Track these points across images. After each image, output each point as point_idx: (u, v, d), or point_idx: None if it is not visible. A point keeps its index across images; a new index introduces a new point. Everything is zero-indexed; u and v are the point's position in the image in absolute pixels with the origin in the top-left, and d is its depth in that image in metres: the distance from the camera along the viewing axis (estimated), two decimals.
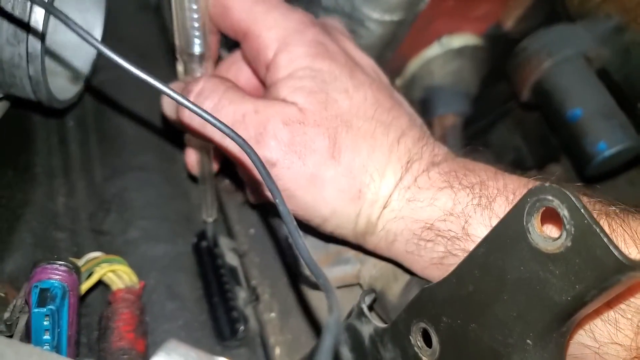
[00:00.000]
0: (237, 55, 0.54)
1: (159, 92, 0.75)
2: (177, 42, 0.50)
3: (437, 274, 0.42)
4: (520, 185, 0.41)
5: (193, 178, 0.61)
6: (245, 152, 0.34)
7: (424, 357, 0.39)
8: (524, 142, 0.99)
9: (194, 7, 0.47)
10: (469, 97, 0.87)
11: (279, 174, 0.43)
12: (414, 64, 0.85)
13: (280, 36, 0.46)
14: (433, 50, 0.83)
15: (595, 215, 0.27)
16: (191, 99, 0.46)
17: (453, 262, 0.38)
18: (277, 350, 0.54)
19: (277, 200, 0.32)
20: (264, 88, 0.51)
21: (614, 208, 0.38)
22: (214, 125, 0.36)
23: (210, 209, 0.58)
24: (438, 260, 0.42)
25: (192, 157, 0.56)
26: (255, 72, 0.52)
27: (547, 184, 0.28)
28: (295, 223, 0.30)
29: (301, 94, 0.44)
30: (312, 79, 0.45)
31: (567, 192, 0.27)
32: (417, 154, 0.45)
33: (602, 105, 0.74)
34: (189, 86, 0.48)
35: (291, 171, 0.43)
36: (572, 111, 0.76)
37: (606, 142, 0.72)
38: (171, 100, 0.48)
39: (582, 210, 0.27)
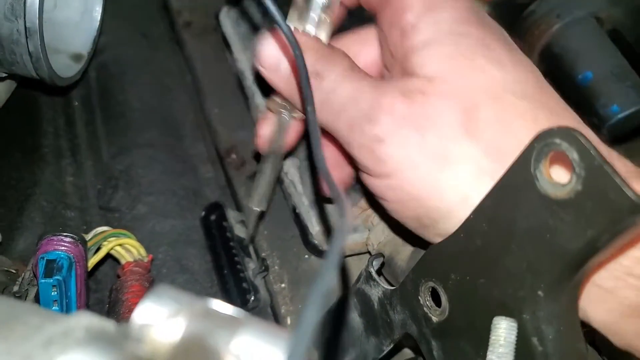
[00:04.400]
0: (359, 35, 0.46)
1: (165, 69, 0.74)
2: None
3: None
4: None
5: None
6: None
7: (433, 317, 0.38)
8: None
9: None
10: None
11: (388, 152, 0.37)
12: None
13: None
14: None
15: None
16: (310, 63, 0.39)
17: None
18: (289, 320, 0.54)
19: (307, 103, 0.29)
20: (389, 73, 0.44)
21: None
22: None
23: (262, 195, 0.46)
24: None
25: (266, 131, 0.47)
26: (387, 49, 0.43)
27: (554, 127, 0.27)
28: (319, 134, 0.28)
29: (435, 60, 0.37)
30: (455, 44, 0.38)
31: (576, 134, 0.27)
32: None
33: (615, 67, 0.72)
34: (310, 53, 0.40)
35: (405, 148, 0.36)
36: (584, 74, 0.74)
37: (619, 105, 0.70)
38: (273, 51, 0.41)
39: (591, 152, 0.26)
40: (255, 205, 0.46)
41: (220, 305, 0.19)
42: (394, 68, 0.41)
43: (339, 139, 0.41)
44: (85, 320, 0.18)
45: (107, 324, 0.18)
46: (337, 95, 0.39)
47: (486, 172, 0.35)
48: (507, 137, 0.35)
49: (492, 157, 0.35)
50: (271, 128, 0.46)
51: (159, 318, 0.18)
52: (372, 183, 0.39)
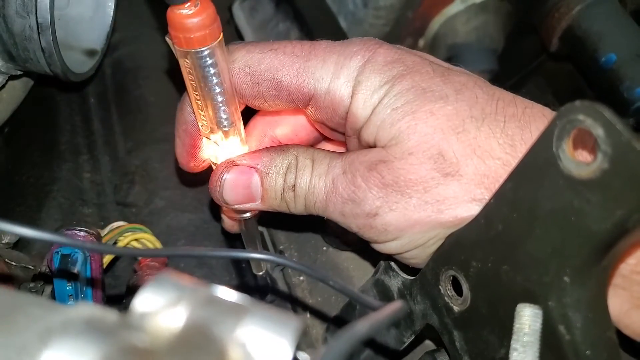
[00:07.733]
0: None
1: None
2: (200, 124, 0.43)
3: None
4: None
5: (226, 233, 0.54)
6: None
7: (454, 307, 0.37)
8: (556, 99, 0.94)
9: (218, 90, 0.39)
10: (496, 53, 0.84)
11: (385, 221, 0.38)
12: (436, 23, 0.81)
13: (351, 77, 0.40)
14: (455, 6, 0.79)
15: None
16: (279, 184, 0.42)
17: None
18: (307, 313, 0.53)
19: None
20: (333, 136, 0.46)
21: None
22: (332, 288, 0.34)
23: (257, 263, 0.52)
24: None
25: (229, 223, 0.51)
26: (328, 128, 0.45)
27: (577, 103, 0.26)
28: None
29: (383, 132, 0.39)
30: (393, 107, 0.39)
31: (600, 108, 0.25)
32: None
33: (639, 48, 0.70)
34: (272, 172, 0.42)
35: (399, 211, 0.38)
36: (607, 57, 0.71)
37: None
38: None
39: (618, 127, 0.25)
40: (256, 272, 0.52)
41: (224, 292, 0.18)
42: (350, 141, 0.43)
43: (337, 223, 0.42)
44: (86, 310, 0.18)
45: (108, 314, 0.18)
46: (315, 194, 0.41)
47: (484, 198, 0.36)
48: (488, 162, 0.37)
49: (483, 185, 0.37)
50: (236, 226, 0.50)
51: (160, 306, 0.17)
52: (384, 248, 0.41)
